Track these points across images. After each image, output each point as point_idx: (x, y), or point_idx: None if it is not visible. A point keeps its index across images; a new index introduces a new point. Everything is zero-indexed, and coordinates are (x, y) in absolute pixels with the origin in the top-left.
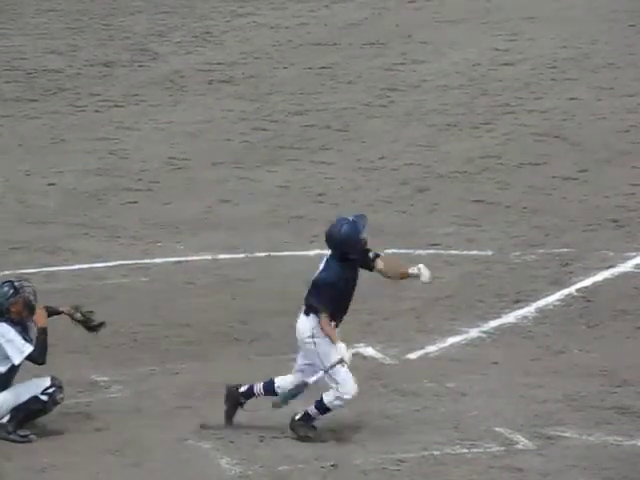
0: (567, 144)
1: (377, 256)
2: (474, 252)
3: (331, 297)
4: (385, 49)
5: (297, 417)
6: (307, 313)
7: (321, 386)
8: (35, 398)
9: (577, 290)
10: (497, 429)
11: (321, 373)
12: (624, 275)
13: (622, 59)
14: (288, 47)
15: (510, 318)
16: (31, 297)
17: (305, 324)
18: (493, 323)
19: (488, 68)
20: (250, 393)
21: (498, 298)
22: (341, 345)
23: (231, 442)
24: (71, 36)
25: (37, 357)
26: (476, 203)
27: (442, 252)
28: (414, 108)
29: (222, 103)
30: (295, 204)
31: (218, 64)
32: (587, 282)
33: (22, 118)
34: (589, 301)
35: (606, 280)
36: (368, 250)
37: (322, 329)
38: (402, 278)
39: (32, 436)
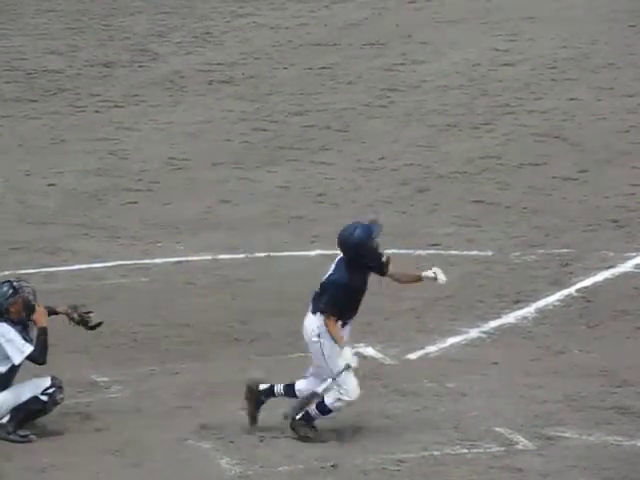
0: (567, 144)
1: (388, 260)
2: (474, 252)
3: (340, 300)
4: (385, 49)
5: (298, 417)
6: (314, 312)
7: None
8: (35, 398)
9: (577, 290)
10: (497, 429)
11: (330, 381)
12: (624, 275)
13: (622, 59)
14: (288, 47)
15: (510, 318)
16: (30, 297)
17: (312, 323)
18: (493, 323)
19: (488, 68)
20: (270, 392)
21: (498, 298)
22: (347, 349)
23: (231, 442)
24: (71, 36)
25: (37, 357)
26: (476, 203)
27: (442, 252)
28: (414, 108)
29: (222, 103)
30: (295, 204)
31: (218, 64)
32: (587, 282)
33: (22, 118)
34: (589, 301)
35: (606, 280)
36: (380, 255)
37: (328, 332)
38: (415, 282)
39: (32, 436)
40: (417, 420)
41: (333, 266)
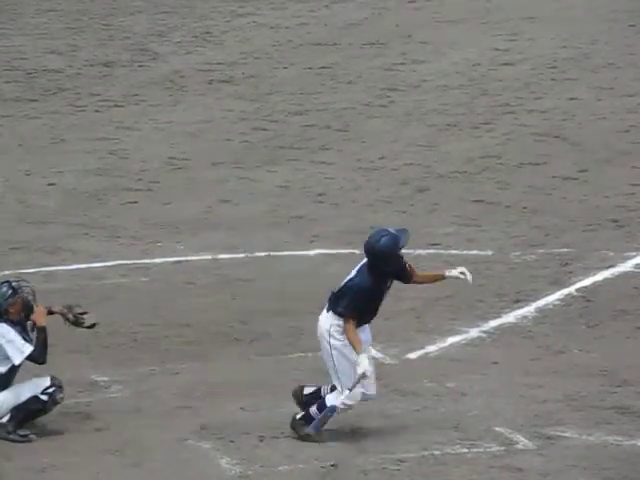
0: (567, 144)
1: (412, 269)
2: (474, 252)
3: (359, 304)
4: (385, 49)
5: (298, 416)
6: (328, 310)
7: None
8: (35, 398)
9: (577, 290)
10: (497, 429)
11: (347, 392)
12: (624, 275)
13: (622, 59)
14: (288, 47)
15: (510, 318)
16: (30, 297)
17: (326, 321)
18: (493, 323)
19: (488, 68)
20: (317, 395)
21: (498, 298)
22: (364, 357)
23: (231, 442)
24: (71, 36)
25: (37, 357)
26: (476, 203)
27: (442, 252)
28: (414, 108)
29: (222, 103)
30: (295, 204)
31: (218, 64)
32: (587, 282)
33: (22, 118)
34: (589, 301)
35: (606, 280)
36: (404, 263)
37: (347, 337)
38: (436, 281)
39: (32, 436)
40: (417, 420)
41: (355, 270)
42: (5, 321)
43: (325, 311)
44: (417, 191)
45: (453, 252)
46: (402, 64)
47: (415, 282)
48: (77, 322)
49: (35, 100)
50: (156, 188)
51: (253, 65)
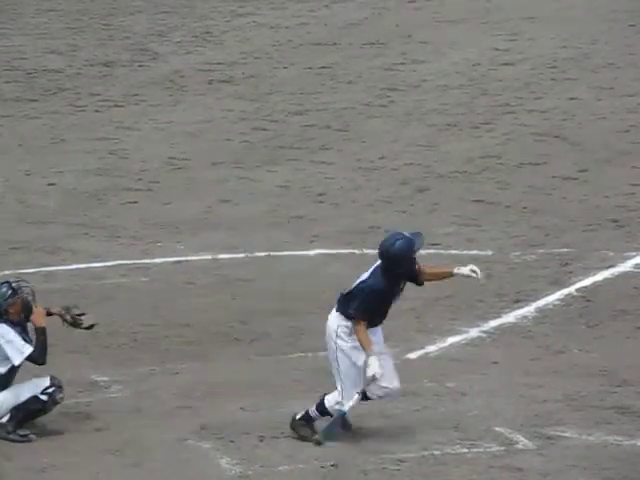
0: (567, 144)
1: (420, 269)
2: (474, 252)
3: (371, 305)
4: (385, 49)
5: (298, 417)
6: (337, 310)
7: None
8: (35, 398)
9: (577, 290)
10: (497, 429)
11: (357, 396)
12: (624, 275)
13: (622, 59)
14: (288, 47)
15: (510, 318)
16: (29, 298)
17: (334, 321)
18: (493, 323)
19: (488, 68)
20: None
21: (498, 298)
22: (374, 359)
23: (231, 442)
24: (71, 36)
25: (37, 357)
26: (476, 203)
27: (442, 252)
28: (414, 108)
29: (222, 103)
30: (295, 204)
31: (218, 64)
32: (587, 282)
33: (22, 118)
34: (589, 301)
35: (606, 280)
36: (416, 265)
37: (358, 338)
38: (444, 278)
39: (32, 436)
40: (417, 420)
41: (369, 271)
42: (5, 322)
43: (334, 311)
44: (417, 191)
45: (453, 252)
46: (402, 64)
47: (426, 280)
48: (75, 323)
49: (35, 100)
50: (156, 188)
51: (253, 65)
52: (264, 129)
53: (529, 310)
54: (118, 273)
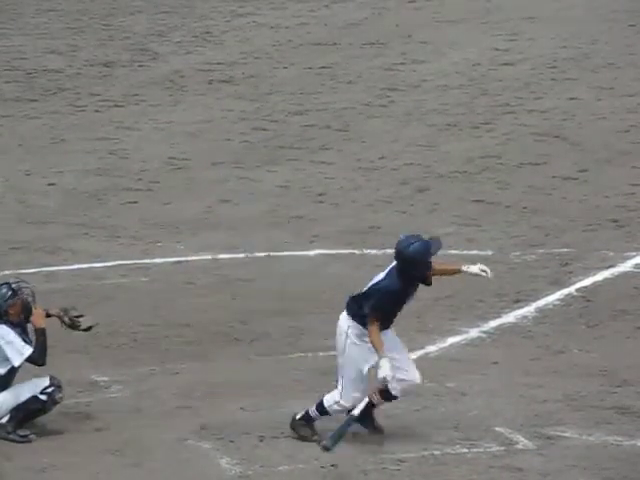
0: (567, 144)
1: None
2: (474, 252)
3: (385, 306)
4: (385, 49)
5: (298, 417)
6: (348, 313)
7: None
8: (34, 398)
9: (577, 290)
10: (497, 429)
11: (367, 400)
12: (624, 275)
13: (622, 59)
14: (288, 47)
15: (510, 318)
16: (29, 299)
17: (344, 322)
18: (493, 323)
19: (488, 68)
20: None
21: (498, 298)
22: (385, 361)
23: (231, 442)
24: (71, 36)
25: (37, 358)
26: (476, 203)
27: (442, 252)
28: (414, 108)
29: (222, 103)
30: (295, 204)
31: (218, 64)
32: (587, 282)
33: (22, 118)
34: (589, 301)
35: (606, 280)
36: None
37: (370, 339)
38: (451, 275)
39: (32, 436)
40: (417, 420)
41: (384, 272)
42: (5, 322)
43: (345, 312)
44: (417, 191)
45: (453, 252)
46: (402, 64)
47: (432, 275)
48: (73, 325)
49: (35, 100)
50: (156, 188)
51: (253, 65)
52: (264, 129)
53: (529, 310)
54: (118, 273)
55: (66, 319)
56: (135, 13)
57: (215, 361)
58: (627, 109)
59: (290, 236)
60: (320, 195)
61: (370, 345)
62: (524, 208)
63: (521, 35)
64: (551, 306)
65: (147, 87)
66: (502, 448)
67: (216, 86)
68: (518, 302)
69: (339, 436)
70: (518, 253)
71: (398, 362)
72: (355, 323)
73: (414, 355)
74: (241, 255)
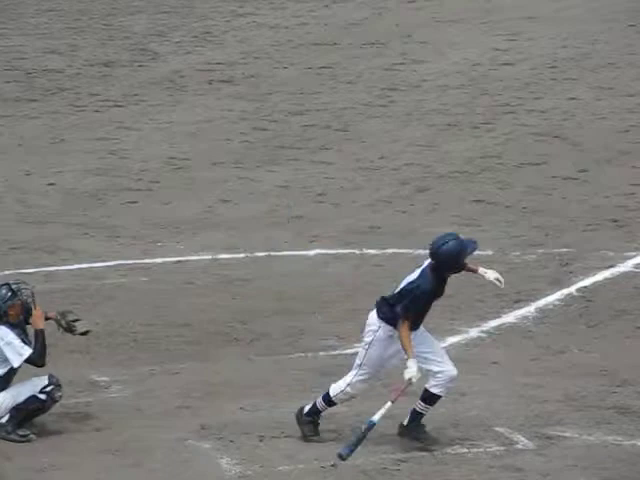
0: (567, 144)
1: None
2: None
3: (419, 305)
4: (385, 49)
5: (305, 410)
6: (378, 316)
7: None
8: (34, 397)
9: (577, 290)
10: (497, 429)
11: (389, 404)
12: (624, 275)
13: (622, 59)
14: (288, 47)
15: (510, 318)
16: (29, 300)
17: (373, 321)
18: (493, 323)
19: (488, 68)
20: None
21: (498, 298)
22: (413, 362)
23: (231, 442)
24: (71, 36)
25: (36, 360)
26: (476, 203)
27: None
28: (414, 108)
29: (222, 103)
30: (295, 204)
31: (218, 64)
32: (587, 282)
33: (22, 118)
34: (589, 301)
35: (606, 280)
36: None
37: (400, 339)
38: (468, 272)
39: (32, 436)
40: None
41: (417, 273)
42: (4, 323)
43: (374, 311)
44: (417, 191)
45: None
46: (402, 64)
47: None
48: (69, 329)
49: (35, 100)
50: (156, 188)
51: (253, 65)
52: (264, 129)
53: (529, 310)
54: (118, 273)
55: (63, 323)
56: (135, 13)
57: (215, 361)
58: (627, 109)
59: (290, 236)
60: (320, 195)
61: (399, 346)
62: (524, 208)
63: (521, 35)
64: (551, 306)
65: (147, 87)
66: (502, 448)
67: (216, 86)
68: (518, 302)
69: (356, 445)
70: (518, 253)
71: (430, 355)
72: (384, 324)
73: None
74: (241, 255)
